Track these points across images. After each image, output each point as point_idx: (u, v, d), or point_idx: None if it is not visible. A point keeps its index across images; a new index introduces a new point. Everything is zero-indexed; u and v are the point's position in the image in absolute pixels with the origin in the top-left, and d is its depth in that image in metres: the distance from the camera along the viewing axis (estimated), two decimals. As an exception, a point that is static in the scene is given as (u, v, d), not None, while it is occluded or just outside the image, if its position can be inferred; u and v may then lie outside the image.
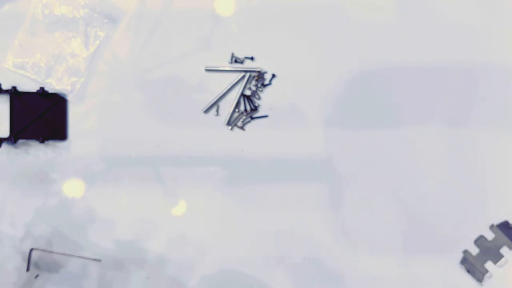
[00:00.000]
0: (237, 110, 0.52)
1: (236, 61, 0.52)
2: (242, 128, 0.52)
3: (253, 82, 0.52)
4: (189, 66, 0.52)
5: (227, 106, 0.52)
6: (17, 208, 0.52)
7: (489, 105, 0.52)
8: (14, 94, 0.51)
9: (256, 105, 0.52)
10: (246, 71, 0.52)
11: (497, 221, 0.52)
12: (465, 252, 0.52)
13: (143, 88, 0.52)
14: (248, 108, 0.52)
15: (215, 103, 0.52)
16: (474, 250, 0.52)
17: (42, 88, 0.51)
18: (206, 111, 0.52)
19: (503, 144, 0.52)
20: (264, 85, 0.52)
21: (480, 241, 0.52)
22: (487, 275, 0.51)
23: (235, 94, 0.52)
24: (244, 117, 0.52)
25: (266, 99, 0.52)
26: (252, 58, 0.52)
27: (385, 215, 0.52)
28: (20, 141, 0.51)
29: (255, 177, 0.51)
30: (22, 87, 0.51)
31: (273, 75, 0.52)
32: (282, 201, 0.52)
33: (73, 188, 0.52)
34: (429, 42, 0.53)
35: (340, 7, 0.53)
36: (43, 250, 0.51)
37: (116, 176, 0.52)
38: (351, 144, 0.52)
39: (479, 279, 0.51)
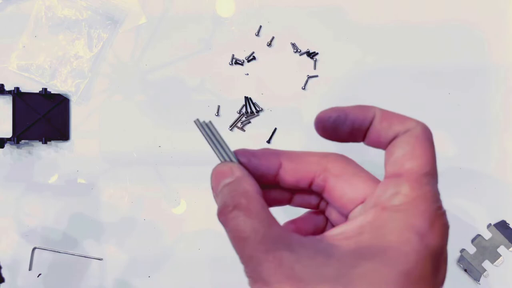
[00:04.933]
0: (237, 111, 0.53)
1: (236, 62, 0.53)
2: (242, 129, 0.53)
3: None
4: (190, 67, 0.53)
5: (228, 107, 0.53)
6: (19, 208, 0.52)
7: (487, 105, 0.53)
8: (17, 95, 0.51)
9: (259, 109, 0.53)
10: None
11: (494, 220, 0.52)
12: (462, 251, 0.52)
13: (145, 88, 0.53)
14: (249, 110, 0.53)
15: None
16: (471, 249, 0.52)
17: (44, 89, 0.51)
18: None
19: (501, 143, 0.53)
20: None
21: (477, 240, 0.52)
22: (485, 274, 0.52)
23: (236, 96, 0.53)
24: (244, 119, 0.53)
25: (266, 100, 0.53)
26: (252, 60, 0.53)
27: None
28: (23, 141, 0.52)
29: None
30: (25, 88, 0.52)
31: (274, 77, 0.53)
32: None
33: (75, 188, 0.52)
34: (429, 42, 0.53)
35: (341, 8, 0.53)
36: (45, 249, 0.51)
37: (118, 176, 0.52)
38: (351, 145, 0.53)
39: (476, 278, 0.52)
